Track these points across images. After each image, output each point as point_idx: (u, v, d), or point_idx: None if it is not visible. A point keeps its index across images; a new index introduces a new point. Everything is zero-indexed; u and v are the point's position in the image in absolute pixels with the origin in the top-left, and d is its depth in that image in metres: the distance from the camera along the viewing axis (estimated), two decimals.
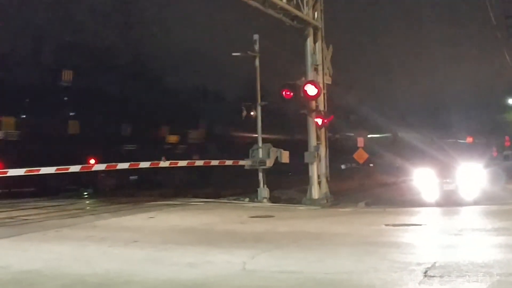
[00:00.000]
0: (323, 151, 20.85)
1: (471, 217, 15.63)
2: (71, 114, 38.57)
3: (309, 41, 20.64)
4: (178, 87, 40.11)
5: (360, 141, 27.78)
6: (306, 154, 20.58)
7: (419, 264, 8.77)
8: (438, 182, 19.02)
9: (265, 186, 20.97)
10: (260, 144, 21.27)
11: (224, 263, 9.28)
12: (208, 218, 15.70)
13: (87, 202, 21.14)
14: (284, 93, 20.01)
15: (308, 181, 20.60)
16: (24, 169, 16.63)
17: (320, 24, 20.97)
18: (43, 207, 18.46)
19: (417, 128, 50.76)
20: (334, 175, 21.92)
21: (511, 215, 14.95)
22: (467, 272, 8.20)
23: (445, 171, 19.20)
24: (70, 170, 17.50)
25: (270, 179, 21.40)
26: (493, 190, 19.65)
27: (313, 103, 20.53)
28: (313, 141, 20.62)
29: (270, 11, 19.21)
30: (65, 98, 39.20)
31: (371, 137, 45.88)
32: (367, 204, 19.22)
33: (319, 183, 20.56)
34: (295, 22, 20.16)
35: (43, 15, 39.00)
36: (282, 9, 19.43)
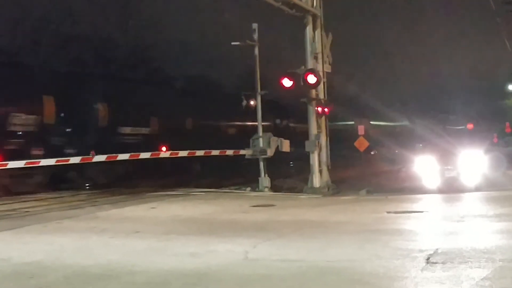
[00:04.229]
0: (323, 139, 20.82)
1: (473, 203, 15.64)
2: None
3: (308, 29, 20.55)
4: (178, 77, 39.96)
5: (361, 129, 27.75)
6: (306, 143, 20.55)
7: (421, 251, 8.77)
8: (439, 169, 19.00)
9: (266, 175, 20.95)
10: (260, 133, 21.22)
11: (226, 252, 9.28)
12: (209, 208, 15.69)
13: (88, 193, 21.11)
14: (284, 82, 19.97)
15: (309, 170, 20.59)
16: (24, 161, 16.60)
17: (319, 12, 20.87)
18: (44, 199, 18.44)
19: (401, 114, 50.80)
20: (335, 163, 21.91)
21: None
22: (470, 258, 8.20)
23: (446, 157, 19.18)
24: (70, 162, 17.46)
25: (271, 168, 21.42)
26: (494, 176, 19.64)
27: (313, 92, 20.49)
28: (313, 130, 20.58)
29: (269, 0, 19.12)
30: None
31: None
32: (369, 192, 19.21)
33: (320, 171, 20.54)
34: (293, 10, 20.05)
35: (41, 6, 38.93)
36: None
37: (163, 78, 38.16)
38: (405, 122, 51.21)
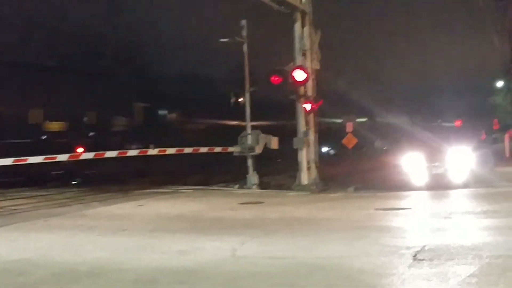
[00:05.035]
0: (312, 136, 20.83)
1: (460, 200, 15.70)
2: None
3: (297, 26, 20.53)
4: (167, 74, 39.82)
5: (349, 126, 27.74)
6: (295, 139, 20.55)
7: (408, 247, 8.81)
8: (426, 166, 19.04)
9: (255, 172, 20.95)
10: (249, 130, 21.21)
11: (214, 249, 9.28)
12: (197, 205, 15.67)
13: (76, 191, 21.03)
14: (272, 79, 19.97)
15: (297, 167, 20.61)
16: (12, 159, 16.51)
17: (307, 8, 20.86)
18: (31, 196, 18.36)
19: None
20: (323, 160, 21.95)
21: (500, 197, 14.98)
22: (457, 255, 8.24)
23: (433, 154, 19.21)
24: (58, 159, 17.38)
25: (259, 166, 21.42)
26: (482, 173, 19.71)
27: (302, 89, 20.47)
28: (302, 127, 20.59)
29: None
30: None
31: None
32: (357, 189, 19.23)
33: (309, 168, 20.55)
34: (282, 6, 20.02)
35: (31, 2, 38.75)
36: None
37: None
38: (364, 119, 50.37)
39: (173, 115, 30.50)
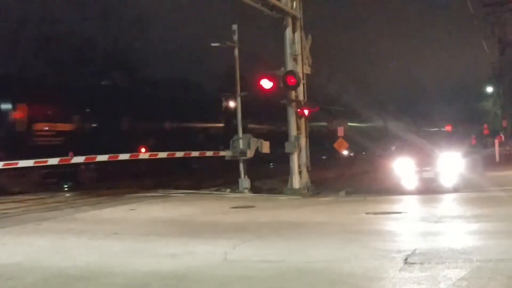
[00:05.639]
0: (303, 141, 20.88)
1: (451, 204, 15.75)
2: None
3: (288, 31, 20.60)
4: (158, 78, 39.74)
5: (340, 131, 27.78)
6: (286, 144, 20.60)
7: (399, 251, 8.83)
8: (417, 170, 19.08)
9: (246, 176, 20.95)
10: (240, 134, 21.23)
11: (205, 253, 9.28)
12: (189, 210, 15.66)
13: (67, 195, 20.96)
14: (263, 83, 20.00)
15: (289, 171, 20.64)
16: (2, 163, 16.46)
17: (298, 13, 20.93)
18: (22, 200, 18.30)
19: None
20: (314, 164, 21.98)
21: (490, 202, 15.07)
22: (447, 258, 8.27)
23: (424, 159, 19.26)
24: (48, 163, 17.33)
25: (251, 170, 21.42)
26: (472, 178, 19.80)
27: (293, 93, 20.53)
28: (293, 131, 20.64)
29: (248, 1, 19.12)
30: None
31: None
32: (348, 193, 19.26)
33: (300, 173, 20.59)
34: (273, 12, 20.07)
35: (21, 7, 38.64)
36: None
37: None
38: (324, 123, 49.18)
39: (20, 111, 22.59)
